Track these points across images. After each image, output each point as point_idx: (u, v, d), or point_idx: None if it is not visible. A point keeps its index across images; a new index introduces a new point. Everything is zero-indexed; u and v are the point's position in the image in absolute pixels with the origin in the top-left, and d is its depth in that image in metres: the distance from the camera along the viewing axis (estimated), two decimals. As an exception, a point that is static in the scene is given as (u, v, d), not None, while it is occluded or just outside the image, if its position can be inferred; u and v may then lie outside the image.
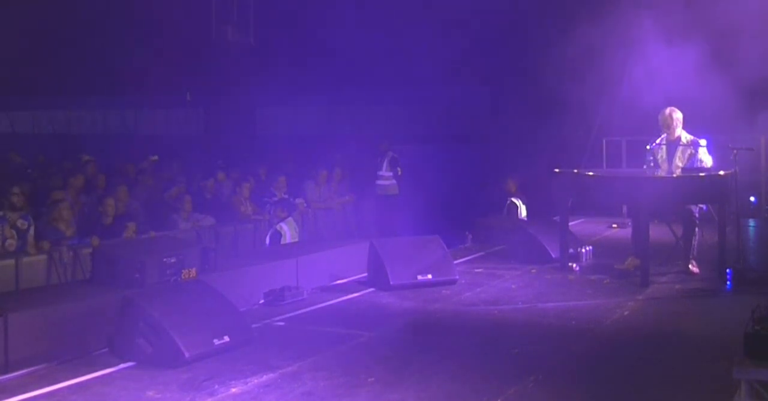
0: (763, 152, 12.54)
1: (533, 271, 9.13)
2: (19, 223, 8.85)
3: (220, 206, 11.98)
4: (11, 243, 8.70)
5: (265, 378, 5.54)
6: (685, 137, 8.83)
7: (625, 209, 12.35)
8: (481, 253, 10.43)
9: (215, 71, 19.16)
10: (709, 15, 10.43)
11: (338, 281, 8.80)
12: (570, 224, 9.78)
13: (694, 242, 8.72)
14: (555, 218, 10.18)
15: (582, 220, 12.80)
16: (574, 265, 9.10)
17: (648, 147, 9.04)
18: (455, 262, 9.08)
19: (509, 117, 15.24)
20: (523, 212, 12.07)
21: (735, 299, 7.65)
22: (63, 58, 23.02)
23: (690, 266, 8.68)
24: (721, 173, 8.38)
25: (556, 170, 9.46)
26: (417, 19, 16.72)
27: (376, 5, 16.62)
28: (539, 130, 14.19)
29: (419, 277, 8.38)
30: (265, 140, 20.02)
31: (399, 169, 13.87)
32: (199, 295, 6.49)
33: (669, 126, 8.79)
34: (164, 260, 7.03)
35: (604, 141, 13.84)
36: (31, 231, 8.93)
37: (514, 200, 12.09)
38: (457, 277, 8.61)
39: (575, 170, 9.62)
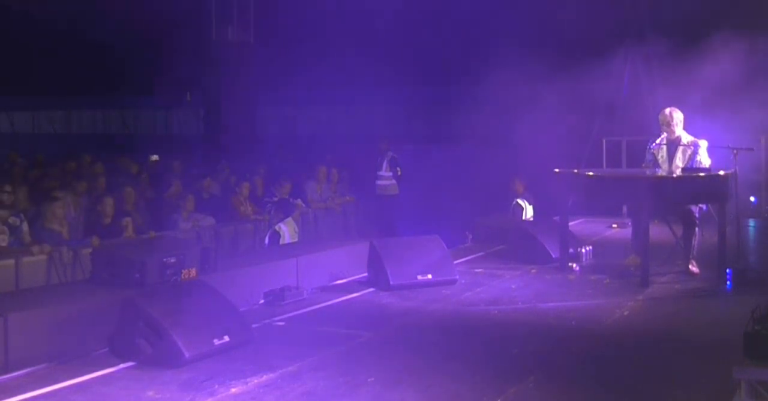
0: (763, 152, 12.53)
1: (533, 271, 9.13)
2: (11, 220, 8.88)
3: (219, 206, 11.99)
4: (3, 238, 8.73)
5: (265, 378, 5.54)
6: (686, 137, 8.83)
7: (625, 209, 12.34)
8: (481, 253, 10.42)
9: (215, 71, 19.16)
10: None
11: (338, 281, 8.79)
12: (570, 224, 9.77)
13: (694, 242, 8.71)
14: (555, 218, 10.18)
15: (582, 220, 12.79)
16: (574, 265, 9.09)
17: (648, 148, 9.05)
18: (455, 262, 9.08)
19: (510, 117, 15.24)
20: (529, 213, 12.01)
21: (735, 299, 7.65)
22: (63, 58, 23.04)
23: (690, 266, 8.67)
24: (721, 173, 8.37)
25: (556, 170, 9.46)
26: (416, 19, 16.73)
27: (376, 5, 16.62)
28: (539, 130, 14.19)
29: (419, 277, 8.38)
30: (265, 140, 20.02)
31: (399, 169, 13.88)
32: (199, 295, 6.48)
33: (669, 126, 8.79)
34: (164, 260, 7.03)
35: (604, 141, 13.84)
36: (25, 228, 8.96)
37: (519, 201, 11.99)
38: (457, 277, 8.61)
39: (575, 170, 9.62)
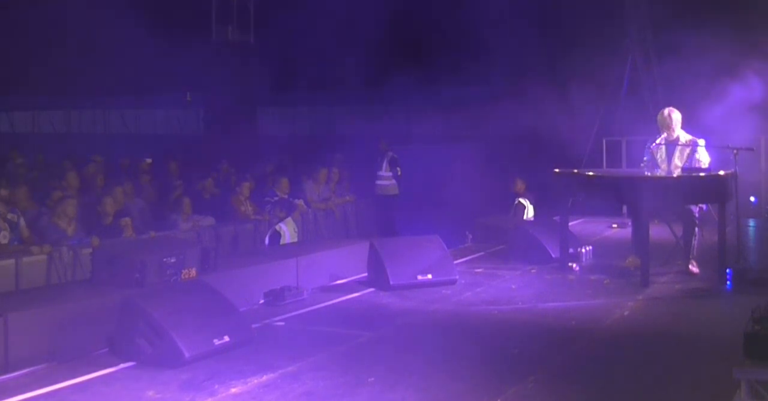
0: (763, 152, 12.54)
1: (533, 271, 9.13)
2: (9, 216, 8.91)
3: (219, 206, 11.97)
4: (5, 235, 8.76)
5: (265, 378, 5.55)
6: (684, 136, 8.83)
7: (625, 209, 12.34)
8: (481, 253, 10.42)
9: (215, 71, 19.16)
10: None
11: (338, 281, 8.80)
12: (570, 224, 9.78)
13: (694, 242, 8.71)
14: (555, 218, 10.18)
15: (582, 220, 12.80)
16: (574, 265, 9.09)
17: (647, 147, 9.05)
18: (455, 262, 9.08)
19: (509, 117, 15.25)
20: (530, 212, 12.00)
21: (735, 299, 7.65)
22: (63, 59, 23.00)
23: (690, 266, 8.67)
24: (721, 173, 8.37)
25: (556, 170, 9.46)
26: (417, 18, 16.73)
27: (375, 5, 16.63)
28: (539, 130, 14.20)
29: (419, 277, 8.38)
30: (265, 140, 20.03)
31: (399, 169, 13.88)
32: (199, 295, 6.48)
33: (668, 126, 8.78)
34: (164, 260, 7.03)
35: (604, 141, 13.84)
36: (22, 223, 8.99)
37: (521, 200, 11.98)
38: (457, 277, 8.61)
39: (575, 170, 9.62)
